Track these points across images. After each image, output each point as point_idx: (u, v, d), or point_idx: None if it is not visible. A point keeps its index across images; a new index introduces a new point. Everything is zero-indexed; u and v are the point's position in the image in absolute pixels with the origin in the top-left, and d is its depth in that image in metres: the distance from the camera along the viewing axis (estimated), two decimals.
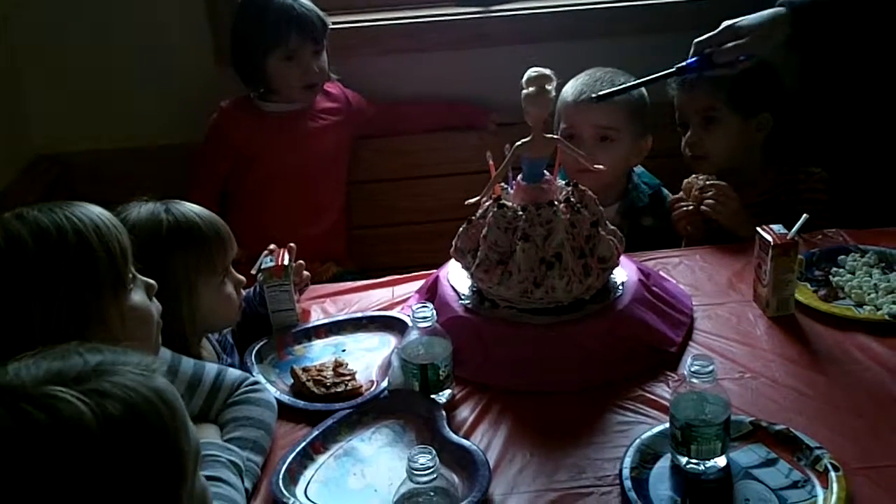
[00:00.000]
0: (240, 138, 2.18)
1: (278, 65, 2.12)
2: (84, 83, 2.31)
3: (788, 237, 1.54)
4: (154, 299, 1.19)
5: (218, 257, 1.43)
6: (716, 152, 1.95)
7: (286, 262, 1.60)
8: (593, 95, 1.55)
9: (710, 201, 1.86)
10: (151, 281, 1.18)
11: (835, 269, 1.69)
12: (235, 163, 2.20)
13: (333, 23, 2.26)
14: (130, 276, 1.14)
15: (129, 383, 0.78)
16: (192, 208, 1.44)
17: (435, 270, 1.66)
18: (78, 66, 2.29)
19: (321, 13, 2.15)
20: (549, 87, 1.44)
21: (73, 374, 0.78)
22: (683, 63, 1.59)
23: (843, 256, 1.71)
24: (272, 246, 1.66)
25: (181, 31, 2.28)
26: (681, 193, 1.93)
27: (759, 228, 1.58)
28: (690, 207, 1.89)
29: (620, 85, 1.88)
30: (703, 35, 1.71)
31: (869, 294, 1.59)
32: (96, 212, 1.12)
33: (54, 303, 1.05)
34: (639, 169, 2.07)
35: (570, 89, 1.95)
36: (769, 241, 1.54)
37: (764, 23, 1.55)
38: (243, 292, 1.54)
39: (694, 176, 1.92)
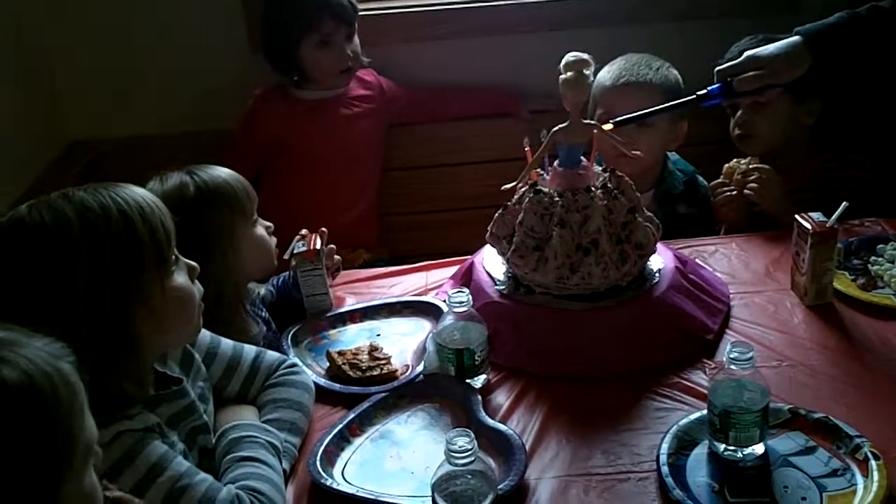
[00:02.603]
0: (274, 126, 2.19)
1: (313, 51, 2.12)
2: (117, 70, 2.33)
3: (828, 225, 1.53)
4: (196, 281, 1.20)
5: (247, 203, 1.50)
6: (764, 133, 1.93)
7: (318, 246, 1.60)
8: (611, 122, 1.54)
9: (754, 185, 1.84)
10: (193, 263, 1.19)
11: (874, 257, 1.67)
12: (269, 150, 2.21)
13: (366, 9, 2.27)
14: (173, 257, 1.15)
15: (33, 357, 0.80)
16: (213, 168, 1.50)
17: (469, 256, 1.66)
18: (111, 53, 2.31)
19: None
20: (586, 72, 1.44)
21: None
22: (705, 90, 1.59)
23: (882, 245, 1.69)
24: (304, 231, 1.67)
25: (214, 18, 2.28)
26: (722, 178, 1.91)
27: (797, 216, 1.56)
28: (733, 192, 1.88)
29: (652, 74, 1.89)
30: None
31: None
32: (141, 193, 1.13)
33: (98, 281, 1.06)
34: (674, 156, 2.06)
35: (608, 74, 1.94)
36: (808, 229, 1.52)
37: (784, 53, 1.55)
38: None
39: (736, 160, 1.91)
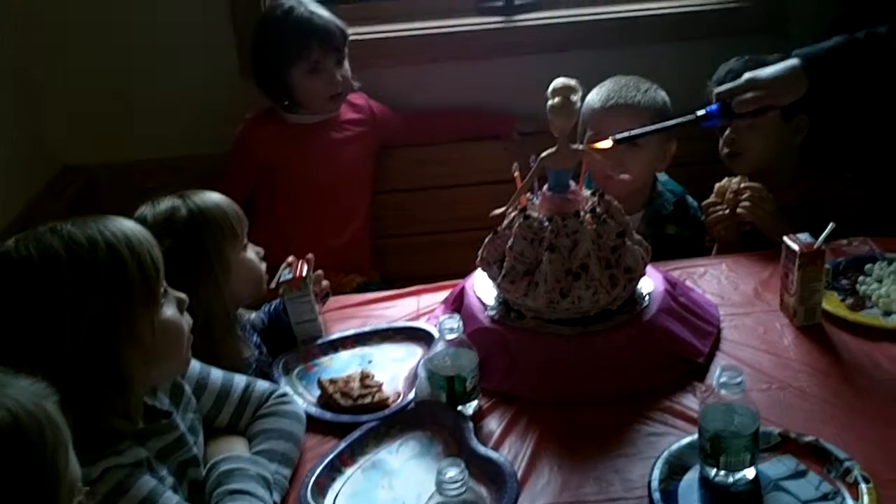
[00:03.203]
0: (265, 150, 2.20)
1: (302, 77, 2.13)
2: (110, 95, 2.33)
3: (815, 246, 1.53)
4: (185, 313, 1.20)
5: (238, 227, 1.51)
6: (753, 151, 1.93)
7: (304, 273, 1.61)
8: (612, 138, 1.56)
9: (747, 203, 1.85)
10: (182, 295, 1.19)
11: (861, 277, 1.67)
12: (261, 174, 2.22)
13: (356, 34, 2.28)
14: (162, 290, 1.15)
15: (18, 396, 0.81)
16: (204, 193, 1.50)
17: (461, 281, 1.66)
18: (103, 77, 2.31)
19: (340, 23, 2.16)
20: (574, 98, 1.45)
21: None
22: (704, 111, 1.60)
23: (869, 265, 1.70)
24: (290, 258, 1.67)
25: (206, 44, 2.30)
26: (713, 197, 1.91)
27: (785, 237, 1.57)
28: (726, 210, 1.88)
29: (640, 95, 1.90)
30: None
31: None
32: (129, 226, 1.14)
33: (86, 316, 1.06)
34: (663, 177, 2.07)
35: (597, 96, 1.95)
36: (796, 251, 1.53)
37: (783, 76, 1.57)
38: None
39: (727, 179, 1.91)
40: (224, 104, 2.29)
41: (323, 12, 2.15)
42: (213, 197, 1.50)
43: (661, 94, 1.98)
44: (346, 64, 2.18)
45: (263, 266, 1.59)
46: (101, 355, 1.06)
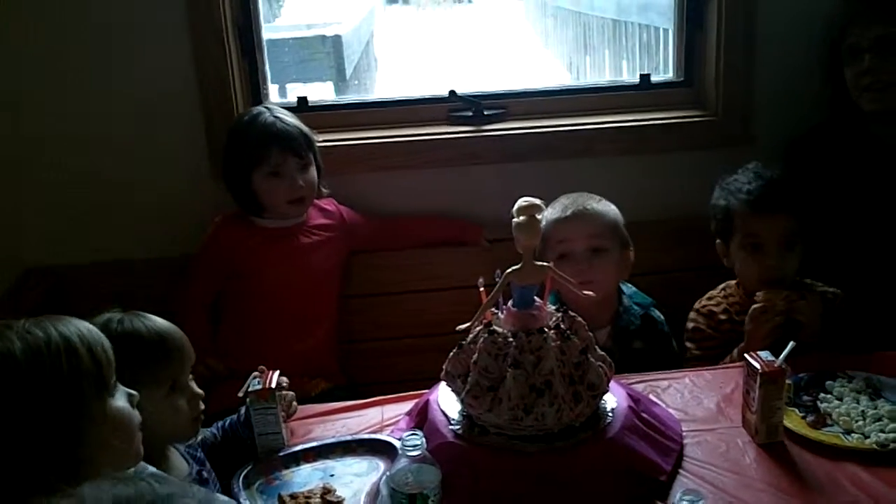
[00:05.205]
0: (232, 252, 2.20)
1: (264, 180, 2.16)
2: (81, 198, 2.33)
3: (776, 365, 1.56)
4: (136, 409, 1.21)
5: (161, 369, 1.43)
6: (792, 272, 1.96)
7: (274, 384, 1.60)
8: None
9: (804, 307, 1.87)
10: (132, 392, 1.22)
11: (822, 394, 1.70)
12: (227, 276, 2.22)
13: (330, 140, 2.33)
14: (114, 382, 1.17)
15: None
16: (146, 320, 1.45)
17: (426, 392, 1.66)
18: (75, 180, 2.32)
19: (305, 129, 2.20)
20: (538, 217, 1.48)
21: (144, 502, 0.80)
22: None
23: (830, 382, 1.72)
24: (261, 367, 1.66)
25: (181, 148, 2.32)
26: (762, 303, 1.89)
27: (746, 355, 1.60)
28: (777, 319, 1.87)
29: (596, 204, 2.02)
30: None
31: (857, 421, 1.59)
32: (83, 325, 1.17)
33: (39, 408, 1.08)
34: (630, 289, 2.11)
35: (554, 210, 2.02)
36: (757, 369, 1.55)
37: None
38: (202, 405, 1.51)
39: (764, 291, 1.91)
40: (195, 208, 2.30)
41: (289, 118, 2.19)
42: (141, 331, 1.42)
43: (614, 207, 2.08)
44: (313, 170, 2.21)
45: (199, 409, 1.49)
46: (54, 445, 1.08)
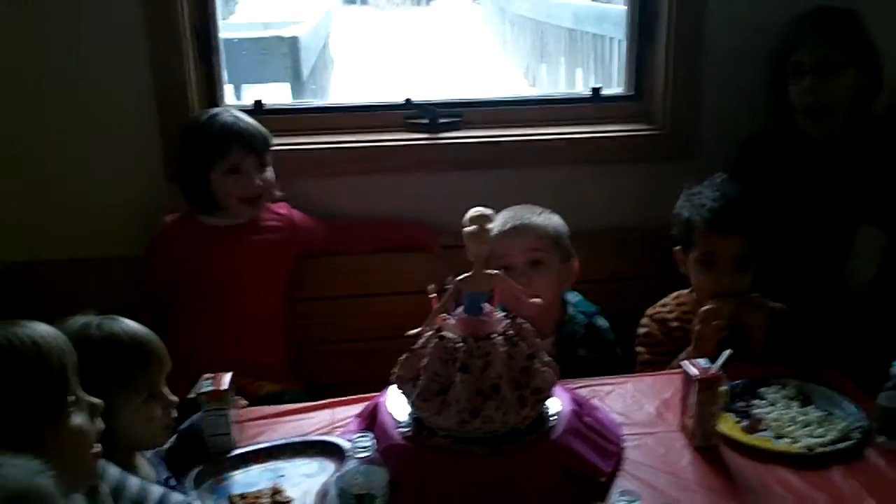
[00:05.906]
0: (180, 251, 2.21)
1: (221, 177, 2.17)
2: (36, 198, 2.32)
3: (712, 371, 1.63)
4: (98, 420, 1.20)
5: (140, 376, 1.45)
6: (744, 290, 2.00)
7: (226, 386, 1.62)
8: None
9: (755, 313, 1.94)
10: (96, 401, 1.20)
11: (756, 400, 1.77)
12: (173, 276, 2.22)
13: (285, 144, 2.35)
14: (73, 398, 1.15)
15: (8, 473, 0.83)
16: (124, 325, 1.47)
17: (376, 394, 1.69)
18: (30, 179, 2.30)
19: (264, 130, 2.22)
20: (488, 226, 1.53)
21: None
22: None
23: (763, 388, 1.80)
24: (209, 376, 1.67)
25: (136, 149, 2.32)
26: (711, 304, 1.94)
27: (683, 362, 1.66)
28: (724, 321, 1.92)
29: (536, 217, 2.07)
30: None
31: (788, 426, 1.67)
32: (40, 331, 1.15)
33: None
34: (575, 297, 2.16)
35: (498, 222, 2.03)
36: (694, 375, 1.62)
37: None
38: (174, 412, 1.53)
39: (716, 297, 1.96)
40: (145, 207, 2.30)
41: (247, 119, 2.22)
42: (120, 336, 1.44)
43: (557, 218, 2.11)
44: (270, 171, 2.24)
45: (171, 417, 1.51)
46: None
